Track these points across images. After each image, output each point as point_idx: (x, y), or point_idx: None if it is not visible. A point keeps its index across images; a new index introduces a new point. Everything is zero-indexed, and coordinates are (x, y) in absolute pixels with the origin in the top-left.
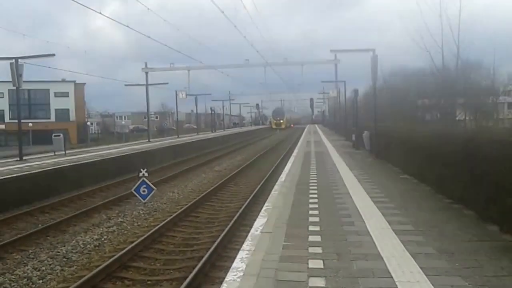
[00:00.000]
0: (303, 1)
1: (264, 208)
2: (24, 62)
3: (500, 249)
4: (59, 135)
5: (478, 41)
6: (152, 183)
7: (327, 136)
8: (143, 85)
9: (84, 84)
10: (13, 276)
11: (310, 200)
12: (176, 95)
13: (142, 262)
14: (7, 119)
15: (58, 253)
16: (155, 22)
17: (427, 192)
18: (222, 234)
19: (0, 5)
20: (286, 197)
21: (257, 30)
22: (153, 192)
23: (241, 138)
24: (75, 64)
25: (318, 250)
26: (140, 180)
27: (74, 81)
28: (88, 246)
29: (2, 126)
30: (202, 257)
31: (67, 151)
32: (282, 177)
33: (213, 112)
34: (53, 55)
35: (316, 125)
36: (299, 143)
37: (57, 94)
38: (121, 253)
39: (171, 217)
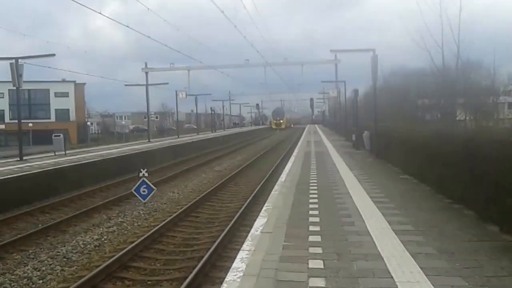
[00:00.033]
0: (303, 1)
1: (264, 208)
2: (24, 62)
3: (500, 249)
4: (59, 135)
5: (478, 41)
6: (152, 183)
7: (327, 136)
8: (143, 85)
9: (84, 84)
10: (13, 276)
11: (310, 200)
12: (176, 95)
13: (142, 262)
14: (7, 119)
15: (58, 253)
16: (155, 22)
17: (427, 192)
18: (222, 234)
19: (0, 5)
20: (286, 197)
21: (257, 30)
22: (153, 192)
23: (241, 138)
24: (75, 64)
25: (318, 250)
26: (140, 180)
27: (74, 81)
28: (88, 246)
29: (2, 126)
30: (202, 257)
31: (67, 151)
32: (282, 177)
33: (213, 112)
34: (53, 55)
35: (316, 125)
36: (299, 143)
37: (57, 94)
38: (121, 253)
39: (171, 217)
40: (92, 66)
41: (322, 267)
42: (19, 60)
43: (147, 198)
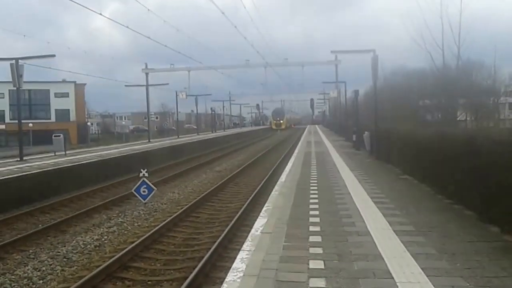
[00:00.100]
0: (303, 2)
1: (264, 208)
2: (25, 63)
3: (501, 250)
4: (59, 136)
5: (479, 41)
6: (152, 184)
7: (328, 136)
8: (143, 85)
9: (85, 84)
10: (13, 276)
11: (311, 201)
12: (176, 95)
13: (142, 263)
14: (7, 120)
15: (59, 253)
16: (155, 22)
17: (428, 193)
18: (223, 235)
19: (1, 6)
20: (286, 197)
21: (257, 30)
22: (153, 193)
23: (241, 138)
24: (76, 64)
25: (319, 250)
26: (141, 181)
27: (74, 82)
28: (89, 246)
29: (3, 127)
30: (203, 257)
31: (67, 152)
32: (283, 177)
33: (213, 112)
34: (54, 55)
35: (316, 126)
36: (299, 144)
37: (57, 95)
38: (121, 253)
39: (172, 217)
40: (92, 67)
41: (323, 267)
42: (20, 61)
43: (147, 198)
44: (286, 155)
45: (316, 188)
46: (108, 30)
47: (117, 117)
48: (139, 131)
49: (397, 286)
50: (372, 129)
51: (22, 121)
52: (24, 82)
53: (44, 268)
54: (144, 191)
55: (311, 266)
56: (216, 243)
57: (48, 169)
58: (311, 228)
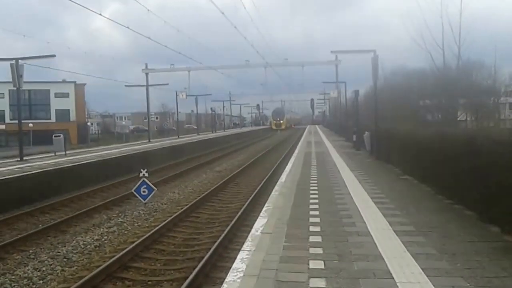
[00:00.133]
0: (303, 2)
1: (264, 208)
2: (25, 63)
3: (501, 250)
4: (60, 136)
5: (479, 41)
6: (152, 184)
7: (328, 136)
8: (143, 85)
9: (85, 84)
10: (13, 277)
11: (311, 201)
12: (176, 95)
13: (142, 263)
14: (7, 120)
15: (59, 254)
16: (155, 23)
17: (428, 193)
18: (223, 235)
19: (1, 6)
20: (286, 197)
21: (257, 31)
22: (153, 193)
23: (241, 138)
24: (76, 65)
25: (319, 250)
26: (141, 181)
27: (74, 82)
28: (89, 246)
29: (3, 127)
30: (203, 257)
31: (67, 152)
32: (283, 177)
33: (213, 112)
34: (54, 56)
35: (316, 126)
36: (299, 144)
37: (57, 95)
38: (121, 253)
39: (172, 217)
40: (92, 67)
41: (323, 267)
42: (20, 61)
43: (148, 199)
44: (286, 155)
45: (316, 188)
46: (108, 31)
47: (117, 117)
48: (139, 131)
49: (397, 286)
50: (372, 129)
51: (22, 121)
52: (24, 82)
53: (44, 268)
54: (144, 191)
55: (311, 266)
56: (216, 243)
57: (49, 169)
58: (311, 228)
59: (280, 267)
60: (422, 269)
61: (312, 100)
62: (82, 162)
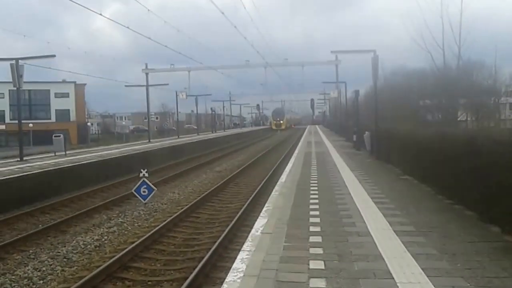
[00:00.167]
0: (303, 2)
1: (264, 208)
2: (25, 63)
3: (501, 250)
4: (60, 136)
5: (480, 41)
6: (152, 184)
7: (328, 136)
8: (143, 86)
9: (85, 84)
10: (13, 277)
11: (311, 201)
12: (177, 95)
13: (142, 263)
14: (7, 120)
15: (59, 254)
16: (155, 23)
17: (428, 193)
18: (223, 235)
19: (1, 6)
20: (286, 197)
21: (257, 31)
22: (153, 193)
23: (241, 138)
24: (76, 65)
25: (319, 251)
26: (141, 181)
27: (74, 82)
28: (89, 246)
29: (3, 127)
30: (203, 257)
31: (67, 152)
32: (283, 177)
33: (213, 112)
34: (54, 56)
35: (317, 126)
36: (299, 144)
37: (57, 95)
38: (121, 253)
39: (172, 217)
40: (92, 67)
41: (323, 267)
42: (20, 61)
43: (148, 199)
44: (286, 155)
45: (316, 188)
46: (109, 31)
47: (117, 117)
48: (139, 131)
49: (398, 287)
50: (373, 129)
51: (22, 121)
52: (24, 82)
53: (44, 268)
54: (144, 191)
55: (311, 266)
56: (216, 244)
57: (49, 169)
58: (312, 229)
59: (280, 267)
60: (422, 269)
61: (312, 100)
62: (82, 162)
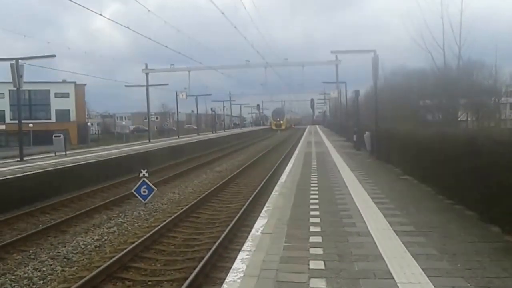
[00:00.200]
0: (303, 2)
1: (264, 209)
2: (25, 63)
3: (502, 250)
4: (60, 136)
5: (480, 41)
6: (152, 184)
7: (328, 136)
8: (143, 86)
9: (85, 85)
10: (13, 277)
11: (311, 201)
12: (177, 96)
13: (142, 263)
14: (7, 120)
15: (59, 254)
16: (155, 23)
17: (428, 193)
18: (223, 235)
19: (1, 6)
20: (286, 197)
21: (257, 31)
22: (153, 193)
23: (241, 139)
24: (76, 65)
25: (319, 251)
26: (141, 181)
27: (74, 82)
28: (89, 246)
29: (3, 127)
30: (203, 257)
31: (67, 152)
32: (283, 177)
33: (213, 112)
34: (54, 56)
35: (317, 126)
36: (299, 144)
37: (57, 95)
38: (121, 253)
39: (172, 217)
40: (92, 67)
41: (323, 268)
42: (20, 61)
43: (148, 199)
44: (286, 156)
45: (316, 188)
46: (109, 31)
47: (117, 117)
48: (139, 131)
49: (398, 287)
50: (373, 129)
51: (22, 121)
52: (24, 82)
53: (44, 269)
54: (144, 191)
55: (311, 266)
56: (217, 244)
57: (49, 169)
58: (312, 229)
59: (280, 267)
60: (422, 269)
61: (312, 100)
62: (82, 162)
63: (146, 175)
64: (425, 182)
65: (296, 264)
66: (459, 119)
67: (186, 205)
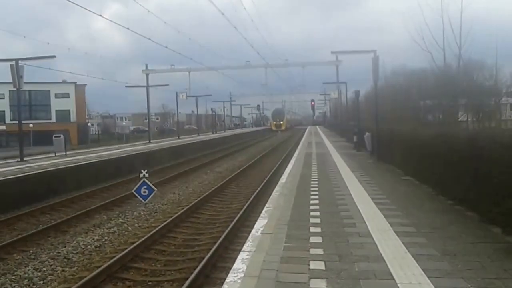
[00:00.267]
0: (303, 2)
1: (265, 209)
2: (25, 64)
3: (503, 251)
4: (60, 136)
5: (481, 40)
6: (153, 184)
7: (328, 137)
8: (143, 86)
9: (85, 85)
10: (14, 277)
11: (311, 202)
12: (177, 96)
13: (143, 263)
14: (7, 120)
15: (59, 254)
16: (155, 24)
17: (429, 194)
18: (223, 235)
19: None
20: (287, 198)
21: (257, 31)
22: (154, 193)
23: (241, 139)
24: (76, 65)
25: (320, 251)
26: (141, 181)
27: (75, 83)
28: (89, 247)
29: (3, 127)
30: (203, 258)
31: (67, 152)
32: (283, 178)
33: (213, 113)
34: (54, 56)
35: (317, 126)
36: (300, 145)
37: (57, 95)
38: (122, 254)
39: (172, 218)
40: (92, 68)
41: (323, 268)
42: (20, 62)
43: (148, 199)
44: (286, 156)
45: (317, 189)
46: (109, 32)
47: (117, 118)
48: (140, 131)
49: (398, 287)
50: (373, 130)
51: (23, 121)
52: (25, 82)
53: (44, 269)
54: (144, 192)
55: (311, 267)
56: (217, 244)
57: (49, 169)
58: (312, 229)
59: (280, 267)
60: (423, 270)
61: (312, 100)
62: (83, 163)
63: (147, 175)
64: (426, 183)
65: (297, 265)
66: (459, 119)
67: (187, 206)
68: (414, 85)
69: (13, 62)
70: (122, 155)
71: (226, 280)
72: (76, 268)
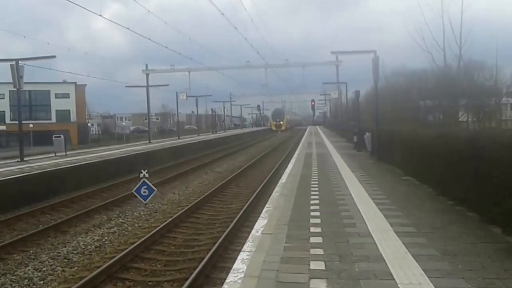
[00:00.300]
0: (303, 2)
1: (265, 209)
2: (25, 64)
3: (503, 251)
4: (60, 136)
5: (481, 41)
6: (153, 184)
7: (328, 137)
8: (143, 86)
9: (85, 85)
10: (14, 277)
11: (312, 202)
12: (177, 96)
13: (143, 263)
14: (8, 120)
15: (59, 254)
16: (155, 24)
17: (429, 194)
18: (223, 235)
19: (1, 7)
20: (287, 198)
21: (257, 31)
22: (154, 193)
23: (242, 139)
24: (76, 66)
25: (320, 251)
26: (141, 181)
27: (75, 83)
28: (89, 247)
29: (3, 127)
30: (203, 258)
31: (67, 152)
32: (283, 178)
33: (214, 113)
34: (54, 56)
35: (317, 127)
36: (300, 145)
37: (58, 96)
38: (122, 254)
39: (172, 218)
40: (92, 68)
41: (324, 268)
42: (20, 62)
43: (148, 199)
44: (287, 156)
45: (317, 189)
46: (109, 32)
47: (117, 118)
48: (140, 131)
49: (399, 287)
50: (373, 130)
51: (23, 122)
52: (25, 83)
53: (44, 269)
54: (144, 192)
55: (312, 267)
56: (217, 244)
57: (49, 169)
58: (312, 229)
59: (280, 268)
60: (423, 270)
61: (312, 100)
62: (83, 163)
63: (147, 175)
64: (426, 183)
65: (297, 265)
66: (459, 119)
67: (187, 206)
68: (414, 85)
69: (13, 62)
70: (122, 155)
71: (226, 280)
72: (76, 268)
